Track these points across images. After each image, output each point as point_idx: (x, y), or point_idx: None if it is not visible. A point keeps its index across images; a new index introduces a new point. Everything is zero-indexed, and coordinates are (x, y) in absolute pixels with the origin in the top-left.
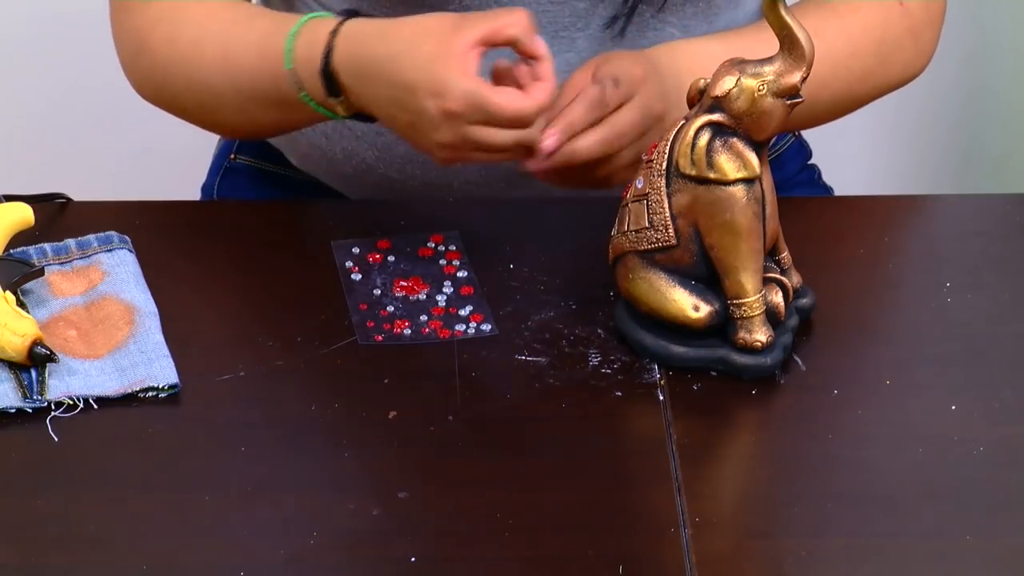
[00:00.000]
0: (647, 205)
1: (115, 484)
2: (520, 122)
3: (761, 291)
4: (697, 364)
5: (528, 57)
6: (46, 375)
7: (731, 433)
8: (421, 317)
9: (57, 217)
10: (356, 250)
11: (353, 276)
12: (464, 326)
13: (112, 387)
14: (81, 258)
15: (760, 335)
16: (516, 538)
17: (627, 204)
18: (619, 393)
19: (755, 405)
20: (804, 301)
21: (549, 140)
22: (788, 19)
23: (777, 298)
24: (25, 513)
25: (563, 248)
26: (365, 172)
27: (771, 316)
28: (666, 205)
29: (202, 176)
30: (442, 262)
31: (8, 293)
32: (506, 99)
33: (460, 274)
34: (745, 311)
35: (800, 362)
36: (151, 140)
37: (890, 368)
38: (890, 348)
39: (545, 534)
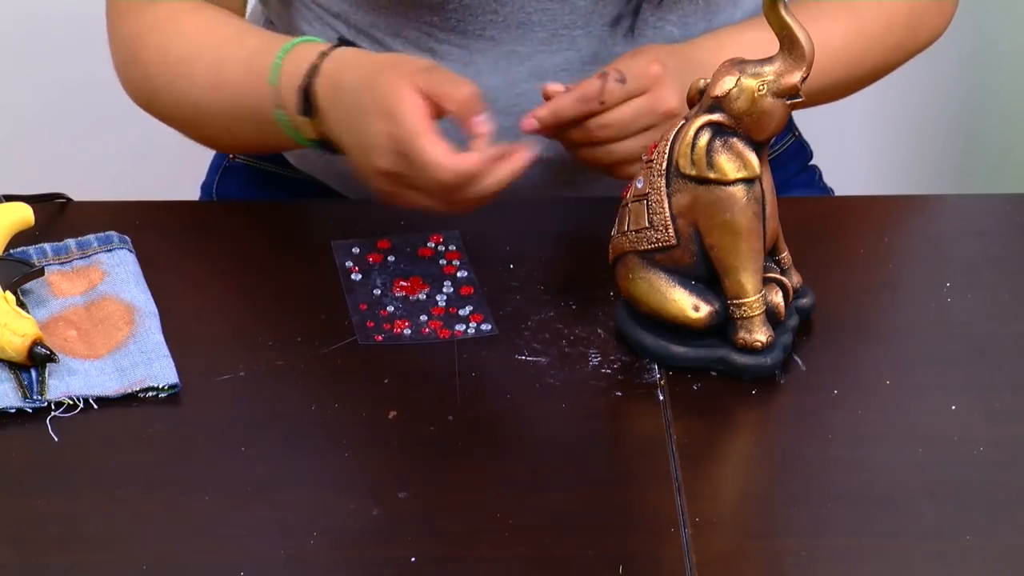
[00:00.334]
0: (647, 205)
1: (115, 484)
2: (435, 174)
3: (761, 291)
4: (697, 364)
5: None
6: (46, 375)
7: (731, 433)
8: (421, 317)
9: (57, 217)
10: (356, 250)
11: (353, 276)
12: (464, 326)
13: (112, 387)
14: (81, 258)
15: (760, 335)
16: (516, 538)
17: (627, 204)
18: (619, 393)
19: (755, 405)
20: (804, 301)
21: (529, 120)
22: (788, 19)
23: (777, 298)
24: (25, 513)
25: (563, 248)
26: None
27: (771, 316)
28: (666, 205)
29: (202, 176)
30: (442, 262)
31: (8, 293)
32: (433, 147)
33: (460, 274)
34: (745, 311)
35: (800, 362)
36: (151, 140)
37: (890, 368)
38: (890, 348)
39: (545, 534)
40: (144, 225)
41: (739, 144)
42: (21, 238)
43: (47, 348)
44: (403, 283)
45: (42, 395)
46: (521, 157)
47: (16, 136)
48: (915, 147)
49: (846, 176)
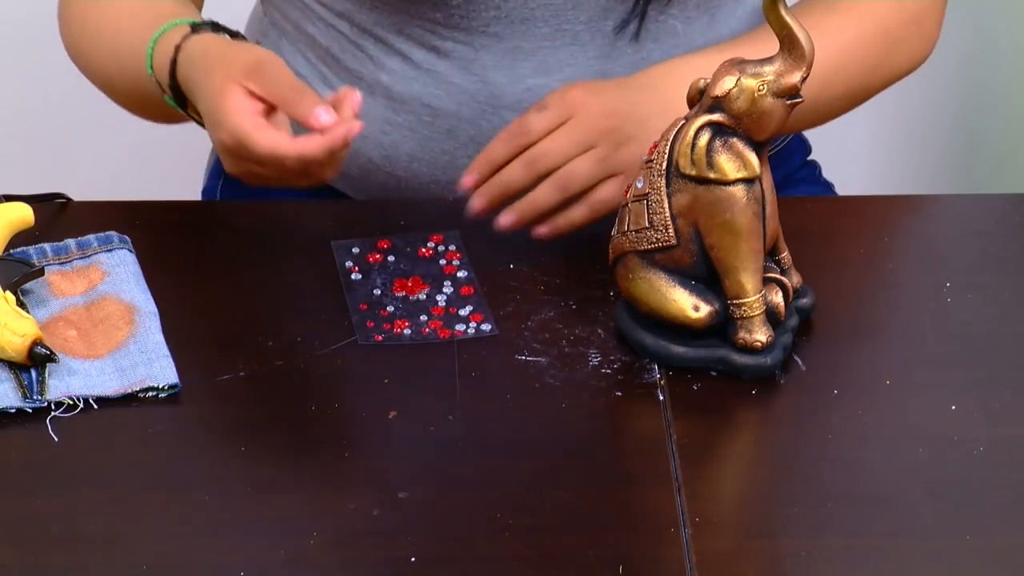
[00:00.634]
0: (647, 205)
1: (115, 484)
2: (278, 162)
3: (761, 291)
4: (697, 364)
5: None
6: (46, 375)
7: (731, 433)
8: (421, 317)
9: (57, 217)
10: (356, 250)
11: (353, 276)
12: (464, 326)
13: (112, 387)
14: (81, 258)
15: (760, 335)
16: (516, 538)
17: (627, 204)
18: (619, 393)
19: (755, 405)
20: (804, 301)
21: (466, 178)
22: (788, 19)
23: (777, 298)
24: (25, 513)
25: (563, 248)
26: (370, 172)
27: (771, 316)
28: (666, 205)
29: (201, 175)
30: (442, 262)
31: (8, 293)
32: (265, 139)
33: (460, 274)
34: (745, 311)
35: (800, 362)
36: (151, 140)
37: (890, 368)
38: (890, 348)
39: (545, 534)
40: (144, 225)
41: (739, 144)
42: (21, 238)
43: (47, 348)
44: (403, 283)
45: (42, 395)
46: (352, 102)
47: (16, 136)
48: (915, 147)
49: (846, 176)
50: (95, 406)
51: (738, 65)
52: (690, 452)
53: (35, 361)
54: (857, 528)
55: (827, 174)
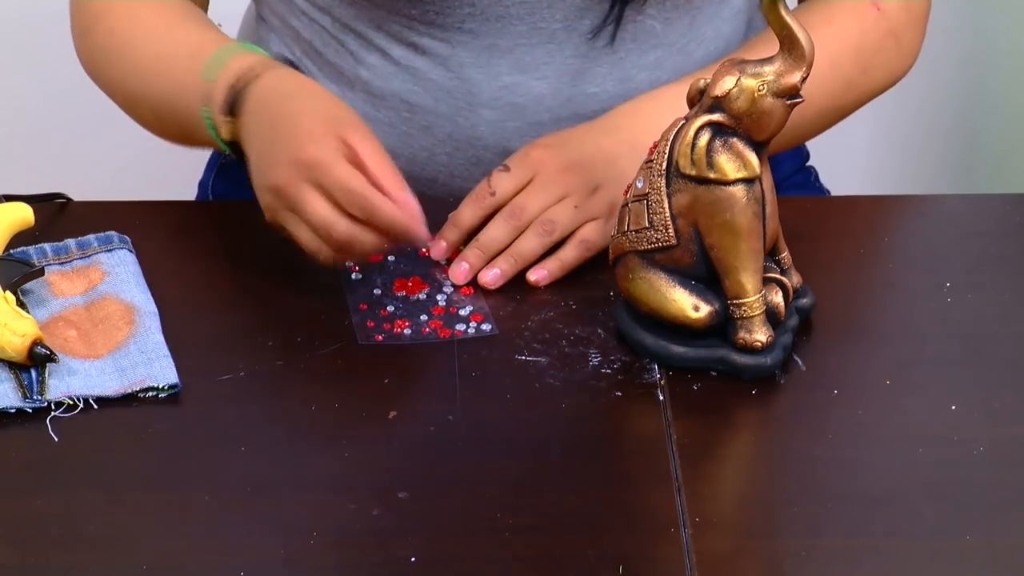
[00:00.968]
0: (647, 205)
1: (115, 484)
2: (346, 195)
3: (761, 291)
4: (697, 364)
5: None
6: (46, 375)
7: (731, 433)
8: (421, 317)
9: (57, 217)
10: None
11: (353, 276)
12: (464, 326)
13: (112, 387)
14: (81, 258)
15: (760, 335)
16: (516, 538)
17: (627, 204)
18: (619, 393)
19: (755, 405)
20: (804, 301)
21: (435, 248)
22: (788, 19)
23: (777, 298)
24: (25, 513)
25: None
26: None
27: (771, 316)
28: (666, 205)
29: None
30: (442, 262)
31: (8, 293)
32: (348, 174)
33: None
34: (745, 311)
35: (800, 362)
36: (151, 140)
37: (890, 368)
38: (890, 348)
39: (545, 534)
40: (144, 225)
41: (739, 144)
42: (21, 238)
43: (47, 348)
44: (403, 283)
45: (42, 395)
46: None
47: (16, 136)
48: (915, 147)
49: (845, 176)
50: (95, 406)
51: (738, 65)
52: (690, 452)
53: (35, 361)
54: (857, 528)
55: (826, 175)
